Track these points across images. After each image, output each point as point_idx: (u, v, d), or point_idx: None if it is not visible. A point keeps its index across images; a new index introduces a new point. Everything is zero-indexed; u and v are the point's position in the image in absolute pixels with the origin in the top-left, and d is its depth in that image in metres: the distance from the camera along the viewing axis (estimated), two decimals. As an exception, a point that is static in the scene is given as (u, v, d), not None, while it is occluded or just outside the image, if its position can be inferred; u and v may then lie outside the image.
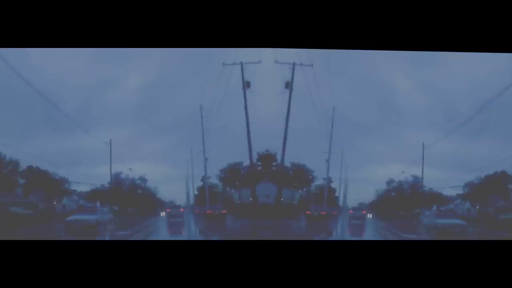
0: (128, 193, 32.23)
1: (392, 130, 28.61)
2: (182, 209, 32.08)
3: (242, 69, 26.75)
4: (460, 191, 30.73)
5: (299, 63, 26.73)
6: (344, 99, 28.60)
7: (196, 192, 32.54)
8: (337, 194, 32.59)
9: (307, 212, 30.58)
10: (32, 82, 25.00)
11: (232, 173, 31.59)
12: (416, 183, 31.37)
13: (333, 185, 32.59)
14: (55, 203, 30.68)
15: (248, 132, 28.33)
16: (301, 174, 31.73)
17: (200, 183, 32.49)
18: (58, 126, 26.17)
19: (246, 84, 27.20)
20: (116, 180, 31.35)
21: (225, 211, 30.63)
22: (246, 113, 27.45)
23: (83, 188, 30.97)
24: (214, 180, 32.31)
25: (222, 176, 31.99)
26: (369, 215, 33.15)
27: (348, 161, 30.31)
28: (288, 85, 27.45)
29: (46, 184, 29.31)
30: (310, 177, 32.55)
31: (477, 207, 30.52)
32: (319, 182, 32.48)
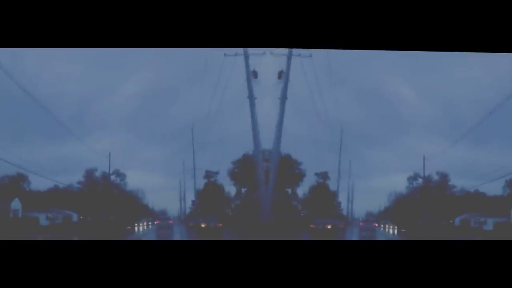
0: (103, 198, 26.51)
1: (398, 139, 28.03)
2: (171, 221, 28.82)
3: (246, 59, 24.85)
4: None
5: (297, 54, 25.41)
6: (346, 109, 28.05)
7: (193, 198, 28.26)
8: (339, 200, 28.77)
9: (311, 225, 26.96)
10: (28, 88, 24.61)
11: (246, 167, 25.41)
12: (444, 183, 26.99)
13: (331, 187, 27.99)
14: None
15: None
16: (286, 166, 25.78)
17: (203, 183, 27.29)
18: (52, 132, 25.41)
19: (253, 74, 25.02)
20: (88, 179, 26.47)
21: (220, 224, 26.66)
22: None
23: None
24: (222, 178, 26.89)
25: (236, 171, 25.99)
26: (390, 228, 28.44)
27: (353, 170, 27.69)
28: (281, 75, 25.47)
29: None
30: (297, 171, 26.56)
31: None
32: (311, 179, 26.99)
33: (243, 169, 26.10)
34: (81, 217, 26.00)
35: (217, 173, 26.94)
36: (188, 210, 28.90)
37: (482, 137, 25.72)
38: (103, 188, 26.69)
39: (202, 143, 26.55)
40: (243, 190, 26.54)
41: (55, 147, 26.28)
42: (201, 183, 27.70)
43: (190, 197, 28.49)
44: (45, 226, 24.31)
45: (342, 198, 29.03)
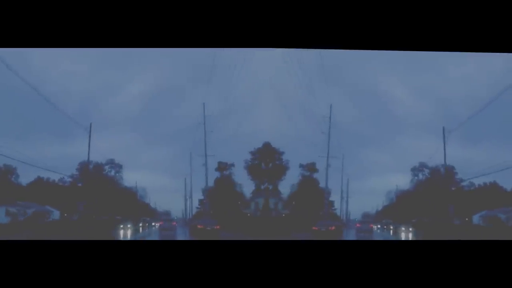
0: (88, 193, 22.85)
1: (393, 139, 27.88)
2: (174, 223, 26.54)
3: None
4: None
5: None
6: (340, 108, 27.70)
7: (201, 197, 25.49)
8: (331, 199, 27.57)
9: (314, 228, 26.12)
10: (35, 86, 23.99)
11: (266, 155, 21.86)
12: (451, 177, 25.60)
13: (321, 181, 26.24)
14: None
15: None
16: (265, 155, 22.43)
17: (214, 178, 23.82)
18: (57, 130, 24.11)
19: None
20: (81, 173, 23.13)
21: (218, 226, 24.52)
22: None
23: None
24: (237, 172, 23.34)
25: (256, 162, 22.04)
26: (402, 231, 26.90)
27: (348, 170, 26.92)
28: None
29: None
30: (277, 162, 22.80)
31: None
32: (295, 171, 23.98)
33: (263, 160, 22.82)
34: (66, 214, 22.36)
35: (232, 165, 23.56)
36: (195, 211, 26.83)
37: (478, 134, 25.93)
38: (90, 182, 23.27)
39: (215, 139, 24.90)
40: (262, 186, 23.12)
41: (59, 145, 25.14)
42: (212, 177, 24.27)
43: (198, 196, 25.91)
44: (1, 224, 20.16)
45: (334, 197, 28.21)
